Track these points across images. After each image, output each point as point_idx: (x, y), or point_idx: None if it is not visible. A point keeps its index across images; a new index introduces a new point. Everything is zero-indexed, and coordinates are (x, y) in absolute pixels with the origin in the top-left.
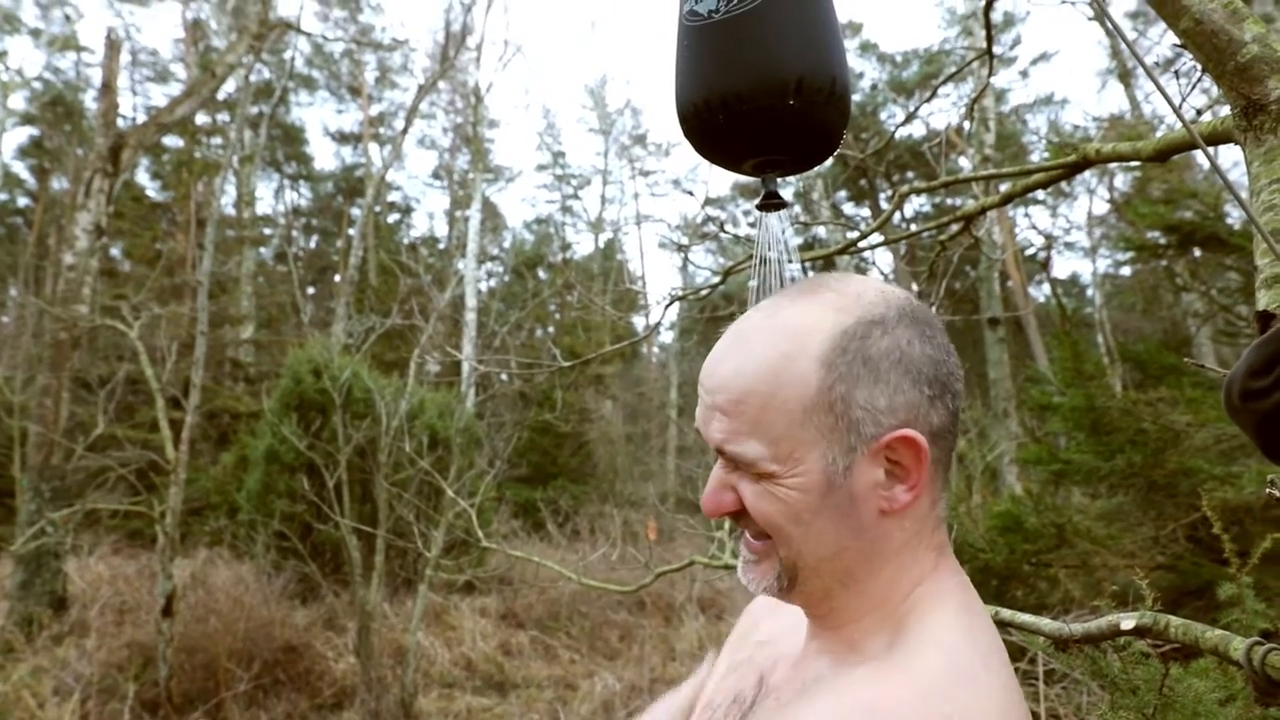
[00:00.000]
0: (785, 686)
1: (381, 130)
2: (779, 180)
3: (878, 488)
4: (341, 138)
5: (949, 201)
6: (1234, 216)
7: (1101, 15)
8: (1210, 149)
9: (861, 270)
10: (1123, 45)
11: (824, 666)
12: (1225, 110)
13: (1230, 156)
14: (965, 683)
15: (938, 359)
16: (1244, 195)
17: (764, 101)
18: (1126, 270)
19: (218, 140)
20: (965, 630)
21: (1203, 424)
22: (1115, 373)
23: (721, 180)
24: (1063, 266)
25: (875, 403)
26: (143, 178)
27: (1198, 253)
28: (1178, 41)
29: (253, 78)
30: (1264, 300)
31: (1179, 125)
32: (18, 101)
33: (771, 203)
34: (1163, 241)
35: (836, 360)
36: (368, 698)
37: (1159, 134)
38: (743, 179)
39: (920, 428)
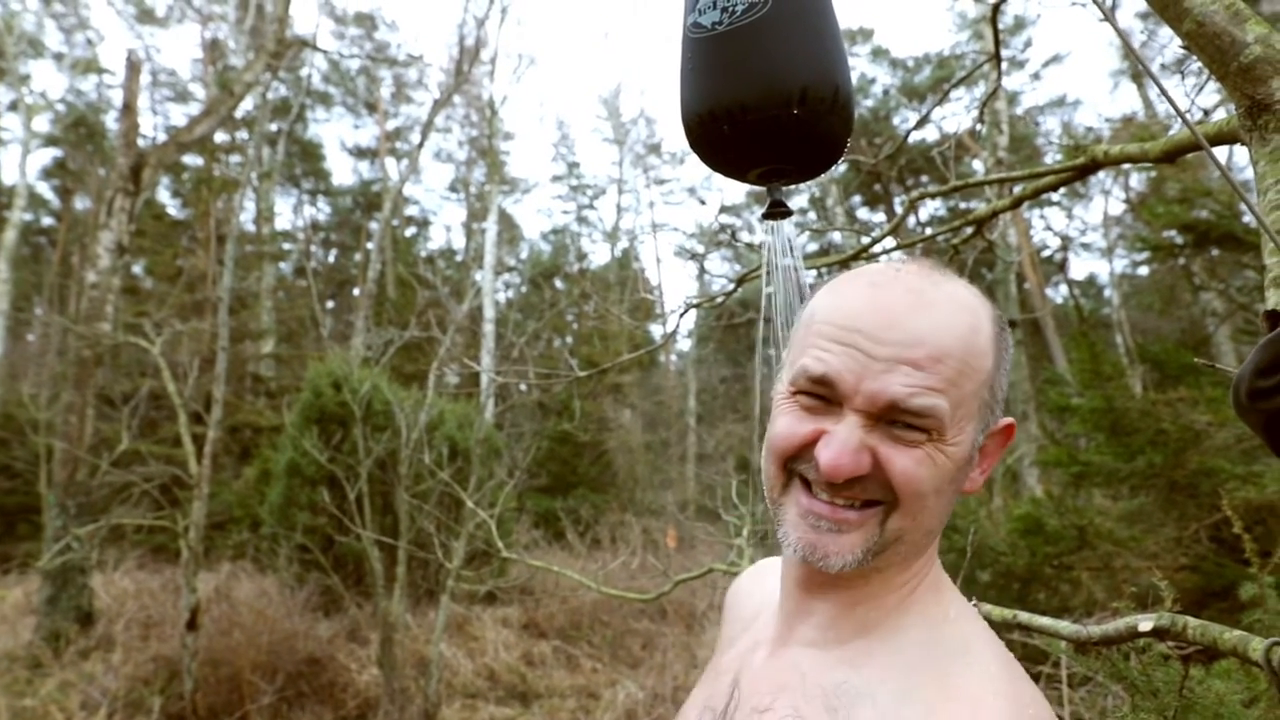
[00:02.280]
0: (791, 707)
1: (398, 145)
2: (785, 188)
3: (974, 466)
4: (359, 153)
5: (963, 205)
6: (1249, 216)
7: (1107, 19)
8: (1216, 149)
9: None
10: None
11: (843, 669)
12: (1234, 109)
13: (1242, 157)
14: (1017, 673)
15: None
16: (1251, 195)
17: (768, 111)
18: (1144, 270)
19: (237, 158)
20: (974, 612)
21: (1223, 424)
22: (1134, 373)
23: (736, 188)
24: (1079, 267)
25: (1003, 390)
26: (163, 196)
27: (1215, 251)
28: (1183, 43)
29: (270, 95)
30: (1273, 299)
31: (1185, 128)
32: (42, 124)
33: (776, 211)
34: (1179, 241)
35: (999, 343)
36: (391, 709)
37: (1171, 134)
38: (755, 188)
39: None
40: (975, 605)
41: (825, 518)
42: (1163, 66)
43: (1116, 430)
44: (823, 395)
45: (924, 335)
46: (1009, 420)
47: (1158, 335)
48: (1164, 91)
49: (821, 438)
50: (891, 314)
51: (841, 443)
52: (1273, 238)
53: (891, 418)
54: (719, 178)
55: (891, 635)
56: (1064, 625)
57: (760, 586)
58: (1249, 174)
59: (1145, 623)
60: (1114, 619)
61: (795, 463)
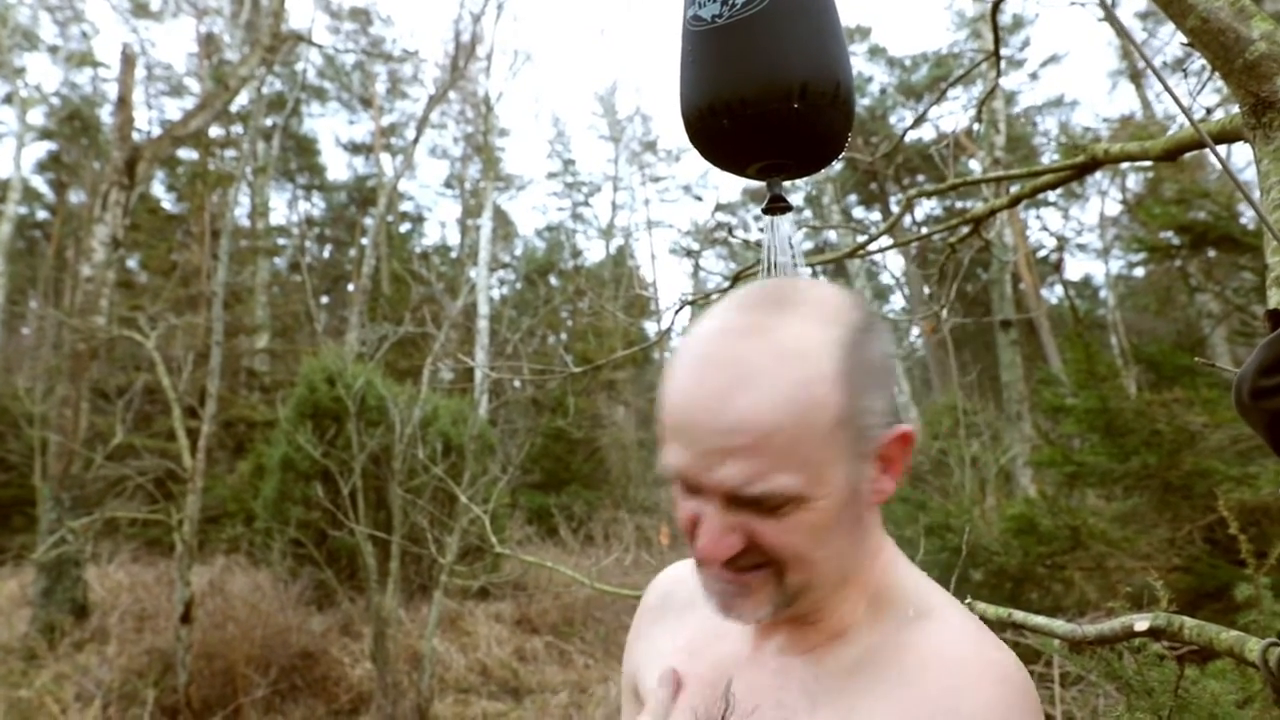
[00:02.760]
0: (777, 695)
1: (393, 140)
2: (785, 184)
3: (874, 483)
4: (353, 148)
5: (960, 204)
6: (1247, 216)
7: (1109, 16)
8: (1219, 147)
9: (874, 274)
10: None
11: (820, 664)
12: (1236, 108)
13: (1242, 156)
14: (981, 626)
15: (892, 353)
16: (1254, 193)
17: (768, 106)
18: (1140, 271)
19: (231, 152)
20: (930, 582)
21: (1218, 425)
22: (1129, 374)
23: (732, 185)
24: (1075, 268)
25: (876, 407)
26: (158, 190)
27: (1211, 253)
28: (1187, 40)
29: (265, 90)
30: (1275, 299)
31: (1189, 125)
32: (36, 117)
33: (776, 206)
34: (1176, 242)
35: (850, 375)
36: (384, 703)
37: (1172, 132)
38: (753, 184)
39: (895, 418)
40: (969, 604)
41: (727, 583)
42: (1164, 64)
43: (1111, 431)
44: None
45: (745, 420)
46: (902, 429)
47: (1153, 336)
48: (1166, 86)
49: (697, 524)
50: (710, 402)
51: (708, 532)
52: (1276, 236)
53: (743, 501)
54: (715, 175)
55: (858, 625)
56: (1059, 624)
57: (686, 583)
58: (1250, 174)
59: (1141, 622)
60: (1108, 619)
61: (691, 539)
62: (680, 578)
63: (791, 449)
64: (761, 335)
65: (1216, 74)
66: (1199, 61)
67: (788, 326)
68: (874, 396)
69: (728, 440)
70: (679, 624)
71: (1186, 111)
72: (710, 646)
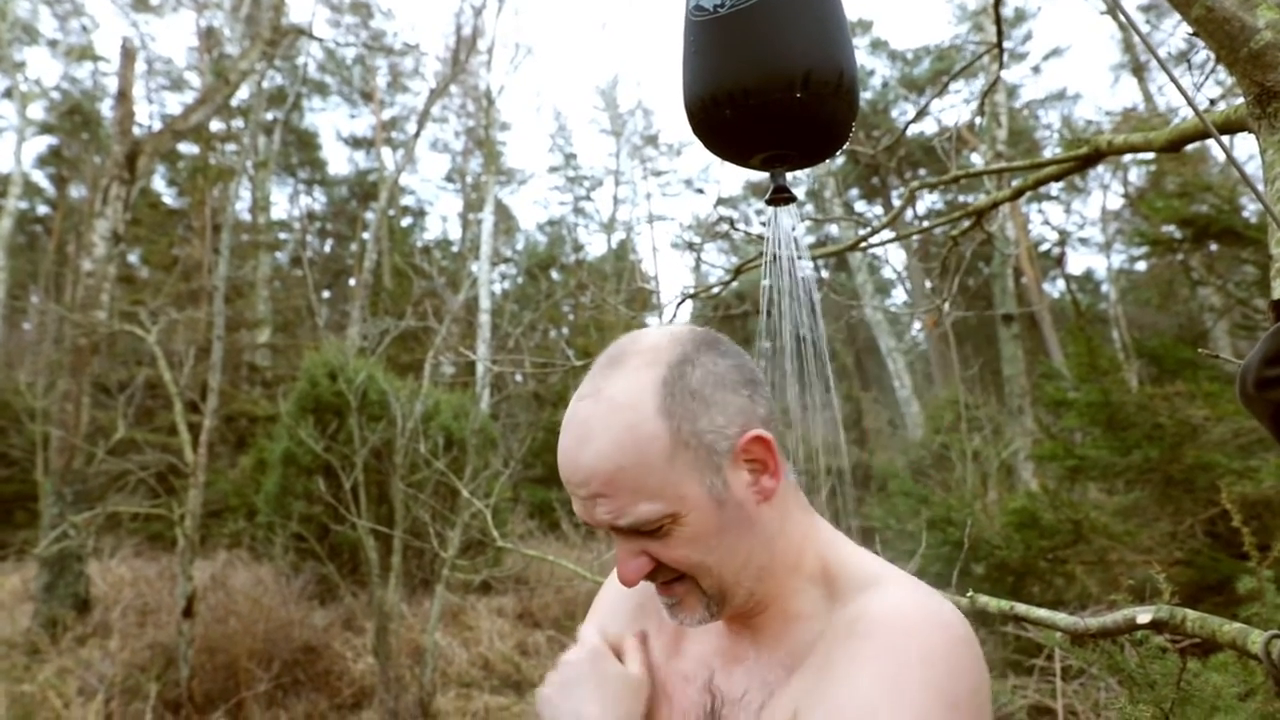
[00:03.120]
0: (760, 676)
1: (394, 134)
2: (788, 175)
3: (750, 486)
4: (354, 142)
5: (962, 199)
6: (1250, 209)
7: (1115, 7)
8: (1224, 137)
9: (875, 268)
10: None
11: (799, 637)
12: (1239, 101)
13: (1245, 149)
14: (924, 587)
15: (738, 364)
16: (1258, 184)
17: (771, 95)
18: (1141, 265)
19: (232, 146)
20: (874, 557)
21: (1220, 418)
22: (1131, 368)
23: (733, 179)
24: (1077, 262)
25: (715, 422)
26: (159, 184)
27: (1213, 246)
28: (1190, 32)
29: (266, 84)
30: (1279, 289)
31: (1192, 116)
32: (36, 111)
33: (780, 197)
34: (1178, 235)
35: (671, 406)
36: (386, 697)
37: (1174, 125)
38: (755, 177)
39: (756, 424)
40: (971, 598)
41: (666, 596)
42: (1166, 56)
43: (1112, 424)
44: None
45: (593, 470)
46: (751, 434)
47: (1155, 330)
48: (1170, 74)
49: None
50: (567, 458)
51: (620, 560)
52: None
53: (626, 533)
54: (717, 169)
55: (800, 613)
56: (1061, 617)
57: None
58: (1254, 165)
59: (1144, 615)
60: (1109, 612)
61: None
62: None
63: (639, 482)
64: (595, 396)
65: (1220, 65)
66: (1201, 55)
67: (615, 383)
68: (707, 416)
69: (588, 489)
70: (662, 620)
71: (1190, 100)
72: (692, 643)
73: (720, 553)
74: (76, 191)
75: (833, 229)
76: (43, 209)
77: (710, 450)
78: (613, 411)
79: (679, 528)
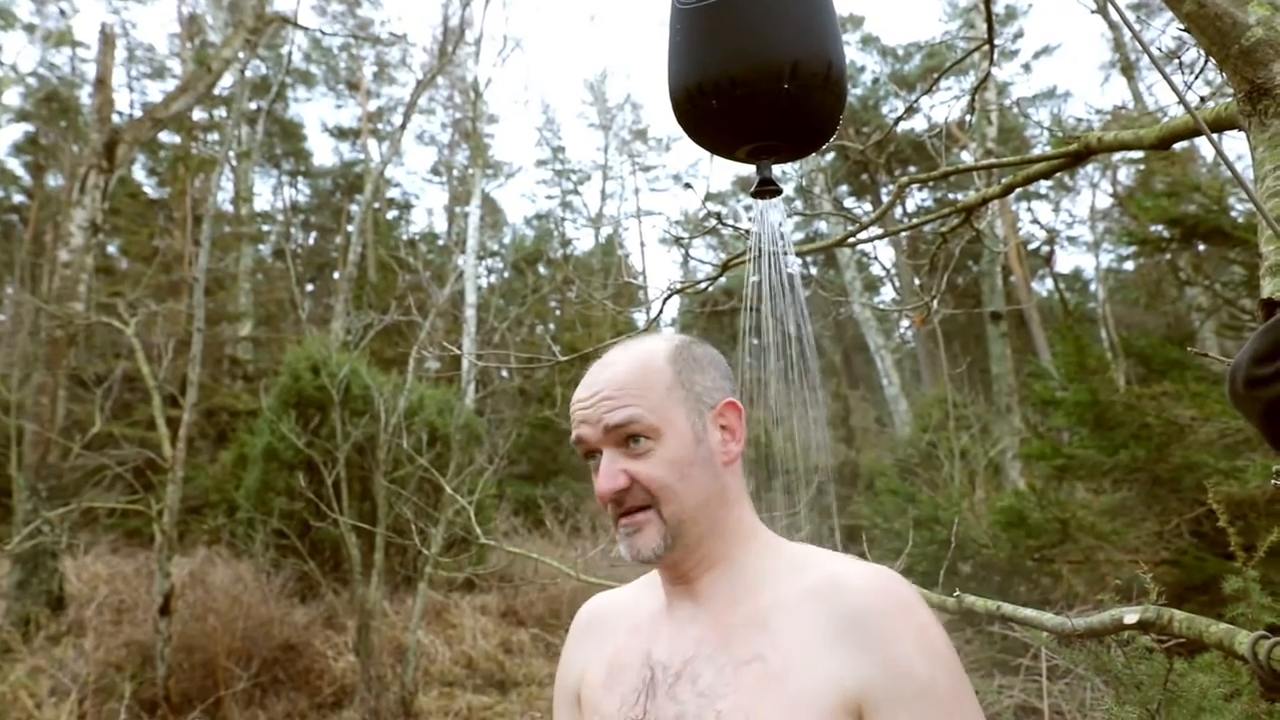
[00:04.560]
0: (698, 647)
1: (380, 126)
2: (775, 168)
3: (720, 444)
4: (340, 133)
5: (951, 196)
6: (1238, 209)
7: (1106, 2)
8: (1214, 135)
9: (864, 265)
10: (1126, 31)
11: (740, 608)
12: (1229, 99)
13: (1234, 148)
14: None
15: (724, 363)
16: (1248, 181)
17: (758, 86)
18: (1129, 265)
19: (215, 136)
20: (802, 543)
21: (1207, 418)
22: (1118, 368)
23: (722, 175)
24: (1065, 261)
25: (706, 383)
26: (139, 174)
27: (1201, 246)
28: (1181, 28)
29: (250, 73)
30: (1269, 288)
31: (1182, 114)
32: (13, 97)
33: (766, 189)
34: (1166, 235)
35: (677, 359)
36: (368, 696)
37: (1164, 122)
38: (744, 172)
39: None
40: (958, 597)
41: (626, 525)
42: (1158, 51)
43: (1100, 424)
44: (588, 451)
45: (608, 380)
46: (730, 399)
47: (1143, 330)
48: (1162, 72)
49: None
50: (588, 381)
51: (603, 475)
52: (1271, 225)
53: (618, 438)
54: (706, 164)
55: (755, 579)
56: (1048, 617)
57: (602, 612)
58: (1243, 165)
59: (1131, 615)
60: (1096, 611)
61: (606, 510)
62: (608, 600)
63: (641, 393)
64: (622, 349)
65: (1211, 62)
66: (1191, 54)
67: (640, 342)
68: (701, 377)
69: (598, 396)
70: (608, 634)
71: (1180, 95)
72: (634, 639)
73: (687, 482)
74: (54, 180)
75: (822, 225)
76: (19, 198)
77: (699, 397)
78: (632, 353)
79: (661, 447)
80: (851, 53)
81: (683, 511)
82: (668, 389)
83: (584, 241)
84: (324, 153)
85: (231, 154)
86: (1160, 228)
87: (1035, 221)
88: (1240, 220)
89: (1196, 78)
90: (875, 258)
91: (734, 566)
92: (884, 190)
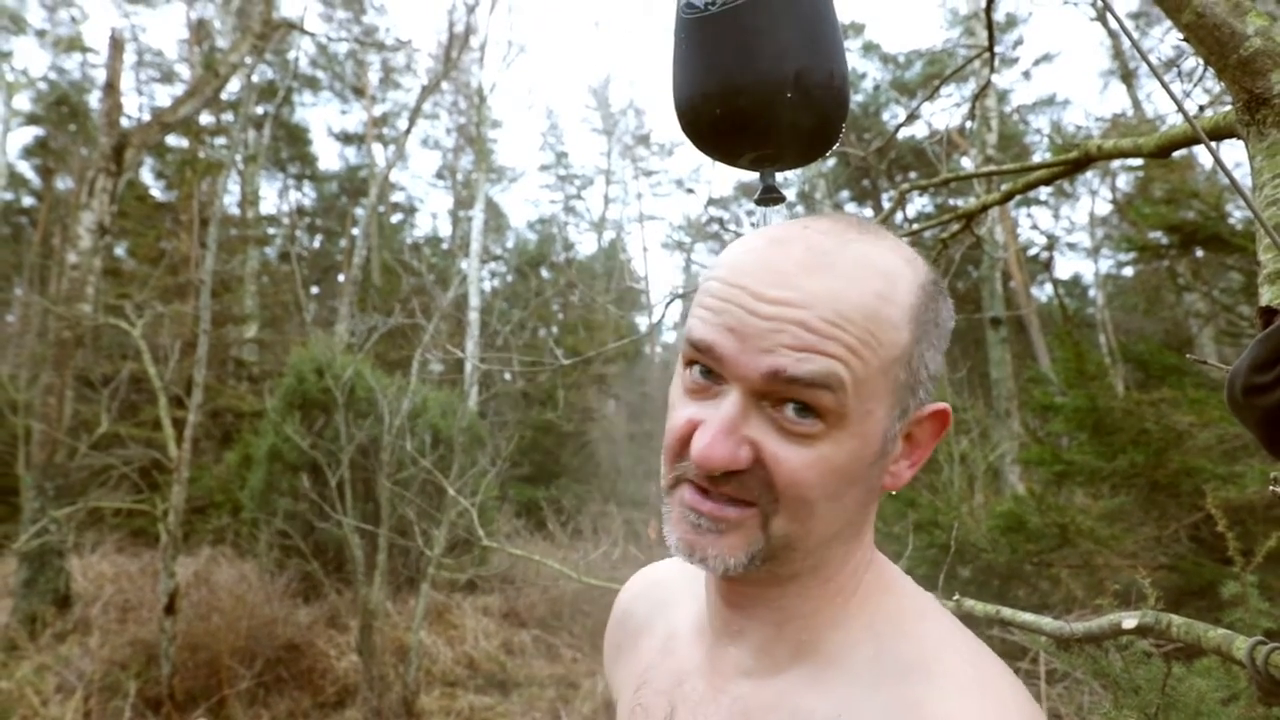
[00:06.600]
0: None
1: (385, 131)
2: (778, 175)
3: (896, 460)
4: (345, 138)
5: (951, 202)
6: (1236, 216)
7: (1105, 11)
8: (1213, 143)
9: None
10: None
11: (788, 702)
12: (1227, 108)
13: (1232, 156)
14: (1002, 678)
15: (951, 326)
16: (1247, 190)
17: (762, 94)
18: (1129, 271)
19: (222, 140)
20: (938, 609)
21: (1205, 424)
22: (1117, 373)
23: (724, 180)
24: (1065, 267)
25: (931, 368)
26: (147, 177)
27: (1200, 253)
28: (1180, 38)
29: (256, 78)
30: (1267, 296)
31: (1181, 122)
32: (23, 101)
33: (769, 197)
34: (1165, 242)
35: (921, 316)
36: (370, 696)
37: (1163, 130)
38: (746, 178)
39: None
40: (957, 601)
41: (705, 514)
42: (1157, 61)
43: (1099, 429)
44: (708, 366)
45: (816, 296)
46: (941, 405)
47: (1141, 336)
48: (1161, 80)
49: (695, 430)
50: (782, 272)
51: (715, 429)
52: (1270, 233)
53: (780, 394)
54: (708, 169)
55: (834, 658)
56: (1046, 621)
57: (647, 597)
58: (1243, 171)
59: (1129, 620)
60: (1094, 616)
61: (680, 461)
62: (640, 593)
63: (856, 347)
64: (843, 243)
65: (1209, 71)
66: (1190, 63)
67: (872, 245)
68: (932, 354)
69: (791, 311)
70: (634, 653)
71: (1179, 104)
72: (663, 672)
73: (835, 503)
74: (63, 183)
75: None
76: (28, 200)
77: (915, 389)
78: (867, 267)
79: (832, 440)
80: (853, 60)
81: (799, 535)
82: (892, 362)
83: (587, 246)
84: (329, 157)
85: (238, 158)
86: (1159, 234)
87: (1035, 227)
88: (1238, 227)
89: (1195, 86)
90: None
91: (807, 627)
92: (885, 196)
